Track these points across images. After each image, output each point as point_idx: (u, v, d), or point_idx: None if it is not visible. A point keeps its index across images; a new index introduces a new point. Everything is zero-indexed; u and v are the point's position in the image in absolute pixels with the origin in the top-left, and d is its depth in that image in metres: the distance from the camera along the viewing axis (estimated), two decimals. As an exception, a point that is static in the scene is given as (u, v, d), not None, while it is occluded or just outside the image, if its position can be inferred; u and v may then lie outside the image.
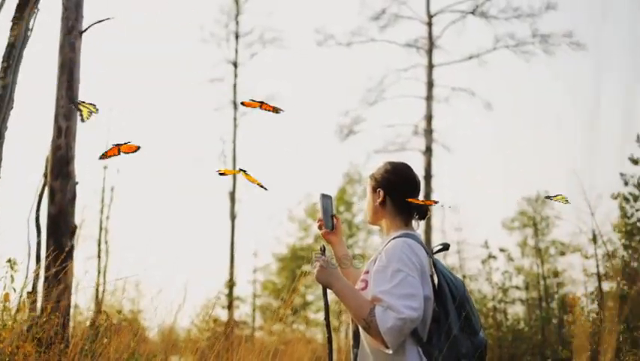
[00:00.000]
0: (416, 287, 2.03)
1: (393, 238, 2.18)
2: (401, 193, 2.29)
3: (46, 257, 4.23)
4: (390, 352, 2.02)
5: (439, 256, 2.31)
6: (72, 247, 4.49)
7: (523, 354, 10.02)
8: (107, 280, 11.66)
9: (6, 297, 3.82)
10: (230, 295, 15.76)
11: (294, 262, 19.93)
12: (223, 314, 14.88)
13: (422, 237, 2.30)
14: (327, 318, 2.29)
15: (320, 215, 2.49)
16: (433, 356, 2.06)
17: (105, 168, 12.69)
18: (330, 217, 2.48)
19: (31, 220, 4.46)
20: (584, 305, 8.26)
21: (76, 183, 4.56)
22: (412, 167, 2.37)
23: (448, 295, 2.14)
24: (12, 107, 3.48)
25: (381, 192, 2.31)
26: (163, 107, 24.69)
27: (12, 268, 4.04)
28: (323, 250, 2.35)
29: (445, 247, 2.30)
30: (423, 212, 2.32)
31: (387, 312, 1.98)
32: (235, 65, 17.63)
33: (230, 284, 15.92)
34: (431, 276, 2.15)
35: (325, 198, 2.47)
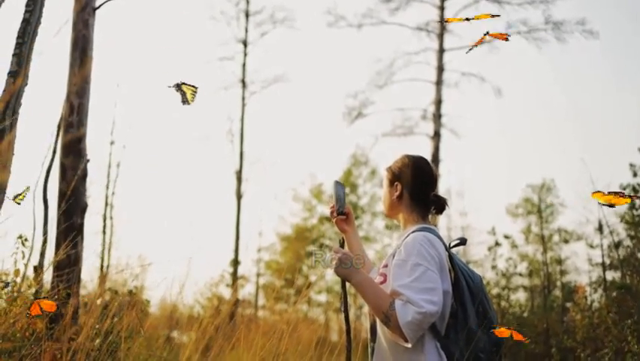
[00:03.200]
0: (435, 281, 2.02)
1: (412, 232, 2.18)
2: (418, 187, 2.29)
3: (57, 234, 4.23)
4: (409, 346, 2.02)
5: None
6: (83, 225, 4.50)
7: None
8: (112, 257, 11.71)
9: (16, 273, 3.84)
10: (234, 273, 15.83)
11: (298, 242, 19.98)
12: (227, 293, 14.95)
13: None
14: (345, 310, 2.29)
15: (333, 202, 2.49)
16: (451, 350, 2.06)
17: (112, 143, 12.65)
18: (342, 204, 2.48)
19: (38, 196, 4.43)
20: (587, 294, 8.28)
21: (88, 160, 4.55)
22: (429, 160, 2.36)
23: (466, 290, 2.14)
24: (26, 84, 3.46)
25: (399, 186, 2.31)
26: (171, 85, 24.47)
27: (23, 244, 4.06)
28: (342, 243, 2.35)
29: (462, 241, 2.29)
30: (440, 206, 2.31)
31: (407, 306, 1.98)
32: (245, 43, 17.54)
33: (236, 263, 15.98)
34: (449, 270, 2.15)
35: (338, 185, 2.47)
